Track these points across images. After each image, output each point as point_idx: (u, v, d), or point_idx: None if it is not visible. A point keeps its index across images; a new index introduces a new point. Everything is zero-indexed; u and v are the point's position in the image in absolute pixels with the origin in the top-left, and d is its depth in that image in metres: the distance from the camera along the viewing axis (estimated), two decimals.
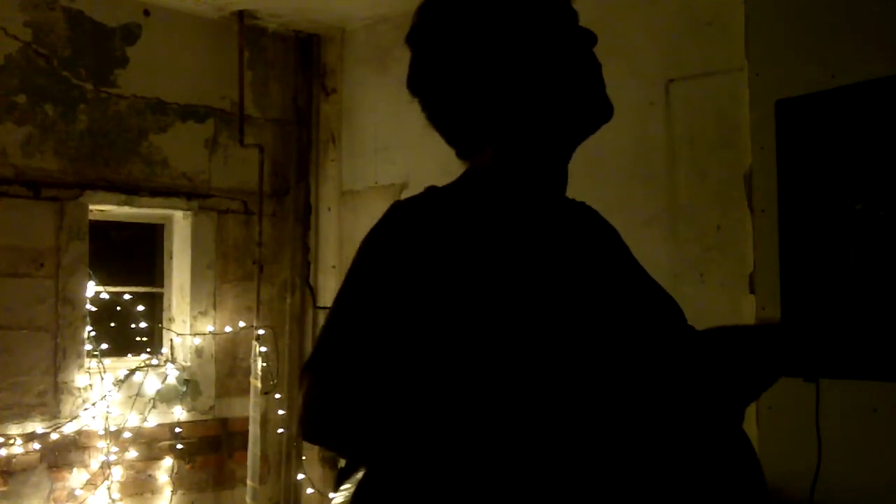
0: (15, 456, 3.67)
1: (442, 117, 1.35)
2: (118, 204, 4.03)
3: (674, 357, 1.26)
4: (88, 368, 3.89)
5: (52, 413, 3.78)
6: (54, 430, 3.77)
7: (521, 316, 1.18)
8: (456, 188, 1.32)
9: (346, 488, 1.27)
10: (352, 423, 1.17)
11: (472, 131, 1.33)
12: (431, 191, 1.30)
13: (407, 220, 1.25)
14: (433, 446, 1.13)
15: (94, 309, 3.96)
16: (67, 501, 3.80)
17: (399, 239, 1.23)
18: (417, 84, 1.35)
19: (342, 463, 1.30)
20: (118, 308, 4.12)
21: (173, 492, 4.11)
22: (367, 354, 1.16)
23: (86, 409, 3.85)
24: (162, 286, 4.38)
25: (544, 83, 1.28)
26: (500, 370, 1.16)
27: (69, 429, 3.81)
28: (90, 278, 3.93)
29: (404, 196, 4.60)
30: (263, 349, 4.29)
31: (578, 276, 1.26)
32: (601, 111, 1.32)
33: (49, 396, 3.77)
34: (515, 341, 1.16)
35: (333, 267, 4.54)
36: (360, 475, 1.26)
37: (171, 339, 4.28)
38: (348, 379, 1.16)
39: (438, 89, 1.32)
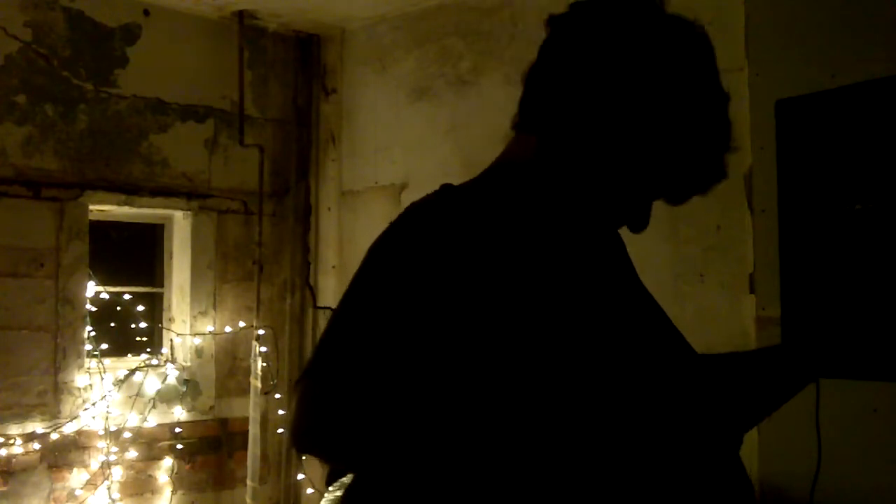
0: (15, 456, 3.67)
1: (540, 104, 1.25)
2: (118, 204, 4.03)
3: (678, 378, 1.24)
4: (88, 368, 3.89)
5: (52, 413, 3.78)
6: (54, 430, 3.76)
7: (529, 335, 1.14)
8: (482, 187, 1.26)
9: (335, 489, 1.26)
10: (350, 436, 1.13)
11: (553, 132, 1.23)
12: (448, 190, 1.24)
13: (421, 225, 1.20)
14: (431, 461, 1.11)
15: (94, 309, 3.96)
16: (67, 501, 3.80)
17: (411, 246, 1.18)
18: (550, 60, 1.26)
19: None
20: (118, 308, 4.12)
21: (173, 492, 4.11)
22: (369, 366, 1.12)
23: (86, 409, 3.85)
24: (162, 286, 4.38)
25: (650, 139, 1.21)
26: (504, 387, 1.13)
27: (69, 429, 3.81)
28: (90, 278, 3.93)
29: (404, 196, 4.58)
30: (263, 349, 4.29)
31: (593, 299, 1.21)
32: (707, 177, 1.25)
33: (49, 396, 3.77)
34: (521, 359, 1.13)
35: (333, 267, 4.54)
36: (348, 478, 1.24)
37: (171, 339, 4.28)
38: (348, 389, 1.12)
39: (554, 87, 1.23)
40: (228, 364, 4.35)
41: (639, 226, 1.30)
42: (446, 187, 1.25)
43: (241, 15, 4.28)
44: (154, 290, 4.38)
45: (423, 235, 1.18)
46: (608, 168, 1.22)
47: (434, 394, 1.14)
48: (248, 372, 4.27)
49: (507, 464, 1.10)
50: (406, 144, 4.24)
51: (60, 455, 3.80)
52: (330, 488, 1.28)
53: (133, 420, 4.00)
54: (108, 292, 4.04)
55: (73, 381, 3.83)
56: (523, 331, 1.14)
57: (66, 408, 3.81)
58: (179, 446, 4.14)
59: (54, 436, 3.77)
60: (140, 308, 4.18)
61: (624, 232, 1.43)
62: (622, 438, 1.14)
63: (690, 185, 1.27)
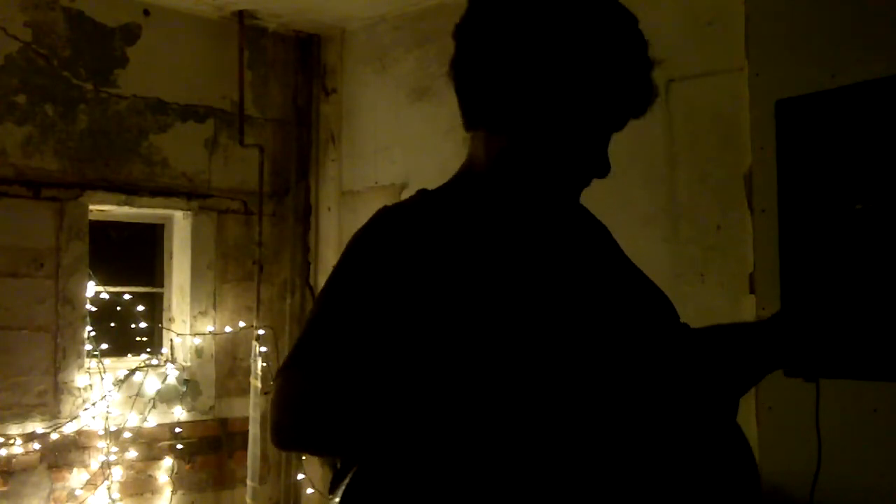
0: (15, 456, 3.67)
1: (474, 93, 1.28)
2: (118, 204, 4.03)
3: (669, 352, 1.25)
4: (88, 368, 3.89)
5: (52, 413, 3.78)
6: (54, 430, 3.76)
7: (509, 315, 1.16)
8: (450, 189, 1.31)
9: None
10: (334, 425, 1.14)
11: (496, 115, 1.26)
12: (423, 193, 1.29)
13: (394, 222, 1.23)
14: (422, 447, 1.12)
15: (94, 309, 3.96)
16: (67, 501, 3.80)
17: (386, 240, 1.21)
18: (464, 59, 1.28)
19: (339, 463, 1.29)
20: (118, 308, 4.12)
21: (173, 492, 4.11)
22: (348, 354, 1.14)
23: (86, 409, 3.85)
24: (162, 286, 4.38)
25: (580, 83, 1.23)
26: (487, 370, 1.14)
27: (69, 429, 3.81)
28: (90, 278, 3.93)
29: (404, 196, 4.60)
30: (263, 349, 4.29)
31: (568, 279, 1.24)
32: (643, 99, 1.28)
33: (49, 396, 3.77)
34: (502, 340, 1.15)
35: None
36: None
37: (171, 339, 4.28)
38: (328, 379, 1.13)
39: (480, 71, 1.26)
40: (228, 364, 4.35)
41: (602, 170, 1.30)
42: (421, 192, 1.29)
43: (241, 15, 4.28)
44: (154, 290, 4.38)
45: (397, 233, 1.21)
46: (559, 128, 1.24)
47: (410, 381, 1.15)
48: (248, 372, 4.27)
49: (490, 445, 1.11)
50: (406, 144, 4.24)
51: (60, 455, 3.80)
52: (334, 495, 1.27)
53: (133, 420, 4.00)
54: (108, 292, 4.04)
55: (73, 381, 3.83)
56: (497, 318, 1.16)
57: (66, 408, 3.81)
58: (179, 446, 4.14)
59: (54, 436, 3.76)
60: (140, 308, 4.18)
61: (622, 231, 1.43)
62: (615, 413, 1.15)
63: (629, 110, 1.30)
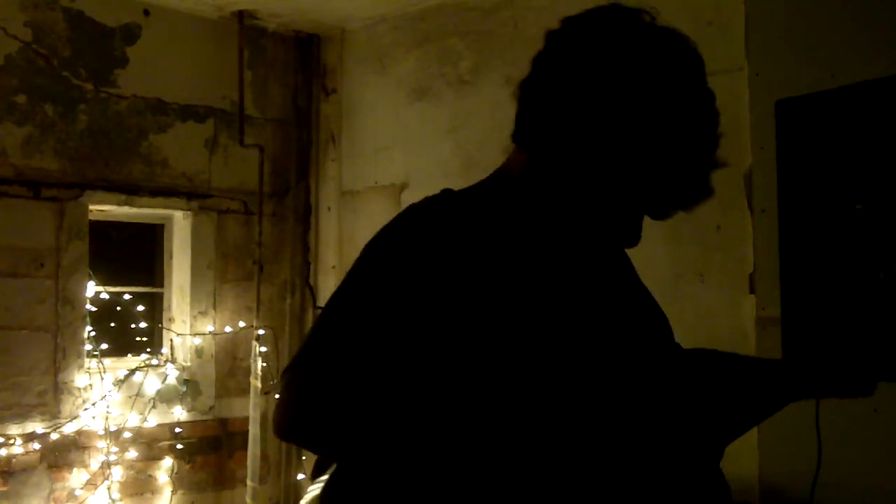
0: (15, 456, 3.67)
1: (532, 118, 1.26)
2: (118, 204, 4.03)
3: (664, 386, 1.24)
4: (88, 368, 3.89)
5: (52, 413, 3.78)
6: (54, 430, 3.77)
7: (517, 332, 1.15)
8: (479, 194, 1.28)
9: (323, 480, 1.26)
10: (332, 425, 1.14)
11: (543, 147, 1.24)
12: (448, 195, 1.26)
13: (419, 225, 1.21)
14: (412, 450, 1.12)
15: (94, 309, 3.96)
16: (67, 501, 3.80)
17: (407, 245, 1.19)
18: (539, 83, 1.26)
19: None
20: (118, 308, 4.12)
21: (173, 492, 4.11)
22: (356, 357, 1.14)
23: (86, 409, 3.85)
24: (162, 286, 4.38)
25: (637, 151, 1.20)
26: (488, 381, 1.14)
27: (69, 429, 3.81)
28: (90, 278, 3.93)
29: (404, 196, 4.57)
30: (263, 349, 4.29)
31: (581, 300, 1.23)
32: (693, 194, 1.24)
33: (49, 396, 3.77)
34: (506, 354, 1.15)
35: (333, 267, 4.54)
36: (333, 468, 1.25)
37: (171, 339, 4.28)
38: (331, 381, 1.14)
39: (547, 102, 1.24)
40: (228, 364, 4.35)
41: (630, 241, 1.30)
42: (446, 192, 1.26)
43: (241, 15, 4.28)
44: (154, 290, 4.38)
45: (419, 236, 1.20)
46: (597, 185, 1.23)
47: (415, 387, 1.15)
48: (248, 372, 4.27)
49: (487, 455, 1.11)
50: (406, 144, 4.24)
51: (60, 455, 3.80)
52: (316, 480, 1.28)
53: (133, 420, 4.00)
54: (108, 292, 4.04)
55: (73, 381, 3.83)
56: (503, 330, 1.15)
57: (66, 408, 3.81)
58: (179, 446, 4.14)
59: (54, 436, 3.76)
60: (140, 308, 4.18)
61: None
62: (604, 446, 1.15)
63: (675, 202, 1.27)
